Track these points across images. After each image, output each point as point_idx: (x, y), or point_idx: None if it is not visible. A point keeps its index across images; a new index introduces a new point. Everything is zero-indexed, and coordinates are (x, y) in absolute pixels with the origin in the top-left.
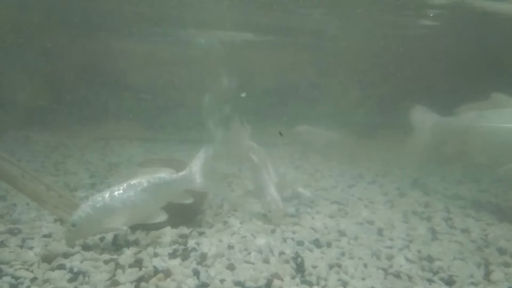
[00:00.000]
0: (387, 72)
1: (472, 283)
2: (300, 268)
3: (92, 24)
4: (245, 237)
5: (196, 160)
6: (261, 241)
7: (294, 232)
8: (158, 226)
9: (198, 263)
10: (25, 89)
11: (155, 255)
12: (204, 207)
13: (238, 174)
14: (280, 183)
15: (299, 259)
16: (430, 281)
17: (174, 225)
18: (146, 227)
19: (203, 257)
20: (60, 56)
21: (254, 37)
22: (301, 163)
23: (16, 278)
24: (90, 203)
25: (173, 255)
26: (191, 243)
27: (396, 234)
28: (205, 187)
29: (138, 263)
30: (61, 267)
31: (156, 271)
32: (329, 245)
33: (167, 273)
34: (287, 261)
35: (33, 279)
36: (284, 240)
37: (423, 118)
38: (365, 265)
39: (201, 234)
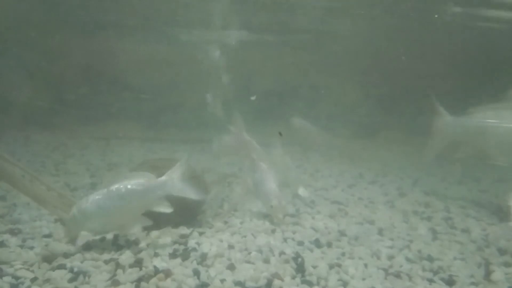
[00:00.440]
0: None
1: (473, 283)
2: (300, 268)
3: (93, 23)
4: (245, 237)
5: (176, 166)
6: (261, 241)
7: (294, 232)
8: (159, 226)
9: (198, 263)
10: (26, 89)
11: (156, 255)
12: (204, 207)
13: (238, 174)
14: (284, 181)
15: (300, 259)
16: (430, 281)
17: (175, 225)
18: (147, 227)
19: (203, 257)
20: (60, 56)
21: (254, 38)
22: (301, 163)
23: (17, 278)
24: (79, 204)
25: (173, 255)
26: (191, 243)
27: (396, 234)
28: (184, 193)
29: (138, 263)
30: (61, 267)
31: (156, 271)
32: (329, 245)
33: (168, 273)
34: (287, 261)
35: (34, 279)
36: (285, 240)
37: (436, 117)
38: (366, 265)
39: (201, 234)
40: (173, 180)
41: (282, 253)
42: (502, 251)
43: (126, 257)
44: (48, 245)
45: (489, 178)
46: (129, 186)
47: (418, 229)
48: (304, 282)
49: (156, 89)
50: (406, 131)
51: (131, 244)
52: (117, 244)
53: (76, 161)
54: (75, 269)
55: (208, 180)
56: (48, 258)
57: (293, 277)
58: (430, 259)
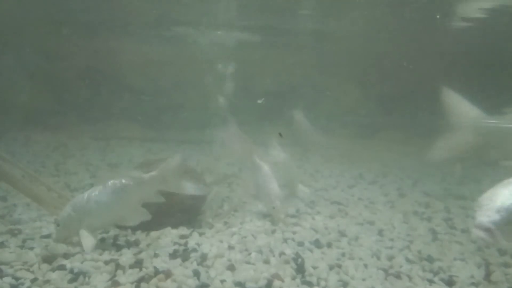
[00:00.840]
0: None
1: (473, 284)
2: (300, 269)
3: (93, 25)
4: (245, 237)
5: (168, 161)
6: (261, 241)
7: (294, 233)
8: (159, 227)
9: (198, 264)
10: (26, 90)
11: (156, 255)
12: (204, 207)
13: (238, 175)
14: (285, 181)
15: (300, 260)
16: (430, 281)
17: (175, 225)
18: (147, 228)
19: (203, 258)
20: (60, 57)
21: (254, 38)
22: (301, 164)
23: (17, 278)
24: (72, 203)
25: (173, 256)
26: (191, 243)
27: (396, 234)
28: (176, 188)
29: (138, 264)
30: (61, 267)
31: (156, 272)
32: (329, 245)
33: (168, 274)
34: (287, 262)
35: (34, 280)
36: (285, 240)
37: (463, 114)
38: (366, 266)
39: (201, 234)
40: (165, 174)
41: (282, 253)
42: (502, 252)
43: (126, 257)
44: (48, 245)
45: (489, 179)
46: (124, 181)
47: (418, 230)
48: (304, 282)
49: (156, 89)
50: (406, 131)
51: (131, 244)
52: (117, 245)
53: (76, 162)
54: (75, 270)
55: (208, 180)
56: (48, 259)
57: (293, 278)
58: (430, 259)
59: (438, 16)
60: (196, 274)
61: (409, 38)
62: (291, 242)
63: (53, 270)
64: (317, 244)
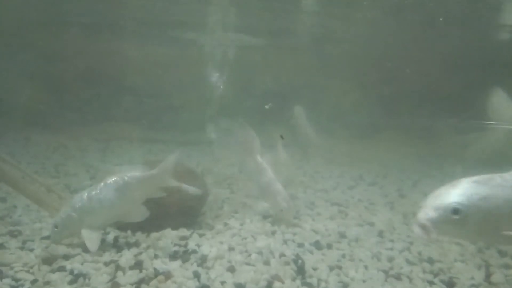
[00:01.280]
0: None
1: (473, 285)
2: (300, 270)
3: (94, 26)
4: (245, 238)
5: (167, 159)
6: (261, 243)
7: (294, 234)
8: (159, 228)
9: (198, 265)
10: (26, 91)
11: (156, 257)
12: (204, 209)
13: (238, 176)
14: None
15: (300, 261)
16: (430, 283)
17: (175, 227)
18: (147, 229)
19: (203, 259)
20: (61, 58)
21: (255, 39)
22: (301, 165)
23: (17, 280)
24: (70, 204)
25: (173, 257)
26: (191, 245)
27: (396, 235)
28: (175, 184)
29: (138, 265)
30: (61, 269)
31: (156, 273)
32: (329, 247)
33: (168, 275)
34: (287, 263)
35: (34, 281)
36: (285, 242)
37: (507, 108)
38: (366, 267)
39: (201, 236)
40: (165, 171)
41: (282, 255)
42: (502, 253)
43: (126, 259)
44: (48, 247)
45: None
46: (126, 178)
47: None
48: (304, 284)
49: (156, 90)
50: (406, 132)
51: (131, 246)
52: (117, 246)
53: (76, 163)
54: (75, 271)
55: (208, 181)
56: (48, 260)
57: (294, 279)
58: (431, 261)
59: (441, 19)
60: (196, 275)
61: (412, 40)
62: (291, 244)
63: (53, 271)
64: (317, 245)
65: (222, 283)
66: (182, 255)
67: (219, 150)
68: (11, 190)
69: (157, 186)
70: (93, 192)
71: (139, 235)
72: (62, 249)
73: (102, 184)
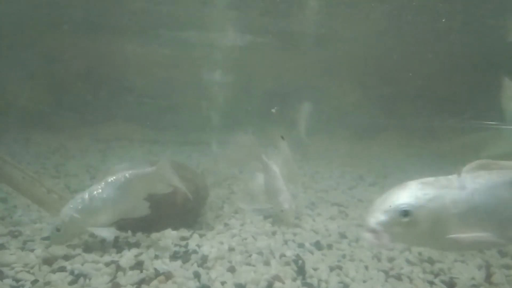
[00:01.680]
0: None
1: (473, 286)
2: (301, 271)
3: (94, 26)
4: (246, 239)
5: (162, 159)
6: (262, 243)
7: (295, 234)
8: (159, 228)
9: (199, 266)
10: (26, 91)
11: (156, 257)
12: (204, 209)
13: (238, 176)
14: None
15: (300, 262)
16: (431, 283)
17: (175, 227)
18: (147, 230)
19: (204, 260)
20: (61, 58)
21: (255, 40)
22: (301, 165)
23: (17, 280)
24: (71, 206)
25: (174, 258)
26: (192, 245)
27: None
28: (175, 181)
29: (139, 266)
30: (62, 269)
31: (157, 274)
32: (330, 247)
33: (168, 276)
34: (288, 264)
35: (34, 282)
36: (285, 242)
37: None
38: (366, 267)
39: (202, 236)
40: (165, 168)
41: (282, 255)
42: (502, 253)
43: (126, 259)
44: (48, 247)
45: None
46: (127, 175)
47: None
48: (304, 284)
49: (156, 91)
50: (406, 132)
51: (132, 246)
52: (118, 246)
53: (76, 163)
54: (76, 272)
55: (208, 182)
56: (48, 261)
57: (294, 280)
58: (431, 261)
59: (443, 20)
60: (197, 275)
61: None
62: (292, 244)
63: (53, 272)
64: (318, 245)
65: (223, 283)
66: (183, 256)
67: (224, 153)
68: (11, 191)
69: (158, 182)
70: (95, 192)
71: (140, 236)
72: (62, 250)
73: (103, 183)
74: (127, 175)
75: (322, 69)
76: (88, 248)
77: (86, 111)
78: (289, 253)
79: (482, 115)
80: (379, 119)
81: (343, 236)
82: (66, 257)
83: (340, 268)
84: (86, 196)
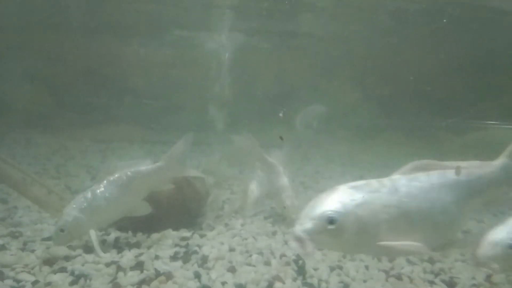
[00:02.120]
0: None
1: (474, 285)
2: (301, 271)
3: (95, 27)
4: (246, 239)
5: (176, 146)
6: (262, 243)
7: None
8: (160, 228)
9: (199, 266)
10: (27, 92)
11: (157, 257)
12: (205, 209)
13: (239, 176)
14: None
15: (301, 262)
16: (431, 283)
17: (175, 227)
18: (148, 230)
19: (204, 260)
20: (61, 59)
21: (255, 40)
22: (301, 165)
23: (18, 281)
24: (75, 205)
25: (174, 258)
26: (192, 245)
27: None
28: (181, 173)
29: (139, 266)
30: (62, 270)
31: (157, 274)
32: None
33: (169, 276)
34: (288, 264)
35: (35, 282)
36: (285, 242)
37: None
38: (367, 267)
39: (202, 236)
40: (170, 163)
41: (283, 255)
42: None
43: (127, 259)
44: (49, 248)
45: None
46: (129, 173)
47: None
48: (305, 284)
49: (156, 92)
50: (407, 132)
51: (132, 246)
52: (118, 247)
53: (77, 164)
54: (76, 272)
55: (208, 182)
56: (49, 261)
57: (294, 280)
58: (431, 261)
59: (444, 20)
60: (197, 276)
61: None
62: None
63: (54, 272)
64: None
65: (223, 283)
66: (183, 256)
67: (228, 153)
68: (12, 191)
69: (165, 178)
70: (98, 191)
71: (140, 236)
72: (63, 250)
73: (106, 181)
74: (129, 173)
75: (323, 69)
76: (88, 249)
77: (87, 112)
78: (290, 253)
79: (482, 115)
80: (380, 119)
81: None
82: (67, 258)
83: (340, 268)
84: (89, 195)
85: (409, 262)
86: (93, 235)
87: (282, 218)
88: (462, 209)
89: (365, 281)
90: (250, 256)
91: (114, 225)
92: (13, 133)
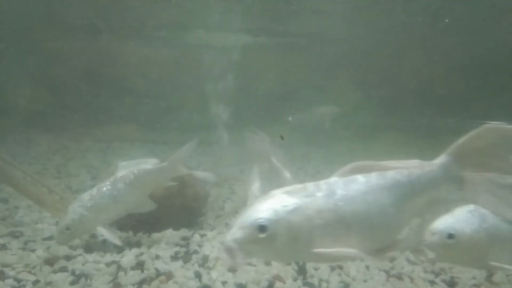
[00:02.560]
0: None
1: (474, 285)
2: (301, 270)
3: (95, 27)
4: None
5: (181, 149)
6: None
7: None
8: (160, 228)
9: (200, 266)
10: (27, 92)
11: (157, 257)
12: (205, 209)
13: (239, 177)
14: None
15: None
16: (432, 283)
17: (176, 227)
18: (148, 230)
19: (204, 260)
20: (62, 59)
21: (256, 40)
22: (302, 165)
23: (19, 280)
24: (80, 203)
25: (175, 258)
26: (193, 245)
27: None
28: (185, 173)
29: (140, 266)
30: (63, 269)
31: (158, 274)
32: None
33: (169, 276)
34: (288, 263)
35: (35, 282)
36: None
37: None
38: (367, 267)
39: (202, 236)
40: (177, 163)
41: None
42: None
43: (127, 259)
44: (50, 247)
45: None
46: (135, 172)
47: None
48: (305, 284)
49: (157, 91)
50: (407, 132)
51: (133, 246)
52: (119, 247)
53: (77, 164)
54: (77, 272)
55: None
56: (50, 261)
57: (295, 279)
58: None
59: (446, 20)
60: (198, 275)
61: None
62: None
63: (55, 272)
64: None
65: (224, 283)
66: (184, 256)
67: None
68: (12, 191)
69: (168, 177)
70: (104, 189)
71: (141, 236)
72: (63, 250)
73: (112, 179)
74: (135, 171)
75: (323, 69)
76: (89, 248)
77: (87, 112)
78: None
79: (484, 114)
80: (380, 118)
81: None
82: (67, 258)
83: (341, 267)
84: (95, 193)
85: (410, 261)
86: (103, 231)
87: None
88: (402, 211)
89: (365, 281)
90: None
91: (114, 224)
92: (14, 133)
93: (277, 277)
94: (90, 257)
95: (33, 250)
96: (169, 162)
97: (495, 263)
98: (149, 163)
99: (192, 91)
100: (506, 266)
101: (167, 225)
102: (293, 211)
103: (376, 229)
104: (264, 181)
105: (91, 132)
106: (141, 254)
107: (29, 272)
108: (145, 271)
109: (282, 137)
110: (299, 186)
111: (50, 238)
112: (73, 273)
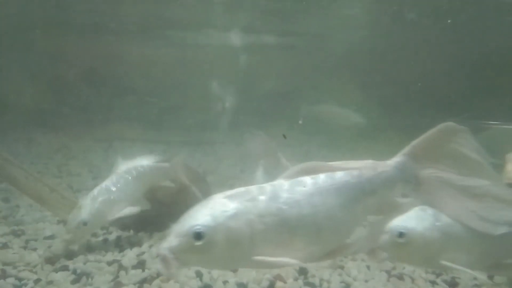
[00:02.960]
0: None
1: (475, 285)
2: (302, 270)
3: (96, 26)
4: None
5: (179, 156)
6: None
7: None
8: (161, 227)
9: None
10: (28, 91)
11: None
12: None
13: (239, 176)
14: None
15: None
16: (433, 283)
17: None
18: (149, 229)
19: None
20: (63, 58)
21: (257, 40)
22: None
23: (20, 279)
24: (93, 198)
25: None
26: None
27: None
28: (184, 179)
29: (141, 265)
30: (64, 268)
31: (159, 273)
32: None
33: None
34: None
35: (37, 281)
36: None
37: None
38: (368, 267)
39: None
40: (177, 165)
41: None
42: None
43: (129, 258)
44: (51, 246)
45: None
46: (140, 168)
47: None
48: (306, 284)
49: (159, 91)
50: (408, 132)
51: (134, 245)
52: (120, 246)
53: (79, 163)
54: (78, 271)
55: (210, 181)
56: (51, 260)
57: (296, 279)
58: None
59: (449, 21)
60: (199, 275)
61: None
62: None
63: (56, 271)
64: None
65: (224, 283)
66: None
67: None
68: (14, 190)
69: (167, 177)
70: (116, 182)
71: (142, 235)
72: (64, 249)
73: (121, 174)
74: (140, 167)
75: (323, 69)
76: (90, 247)
77: (89, 111)
78: None
79: (486, 114)
80: (381, 118)
81: None
82: (69, 256)
83: (342, 267)
84: (104, 188)
85: None
86: (126, 210)
87: None
88: (351, 213)
89: (366, 281)
90: None
91: (115, 223)
92: (15, 132)
93: (278, 277)
94: (91, 256)
95: (34, 249)
96: (172, 163)
97: (447, 263)
98: (147, 160)
99: (194, 90)
100: (458, 267)
101: (168, 224)
102: (233, 216)
103: (324, 233)
104: (270, 178)
105: (92, 132)
106: (142, 253)
107: (30, 271)
108: (146, 270)
109: (284, 136)
110: (241, 189)
111: (51, 237)
112: (74, 272)
